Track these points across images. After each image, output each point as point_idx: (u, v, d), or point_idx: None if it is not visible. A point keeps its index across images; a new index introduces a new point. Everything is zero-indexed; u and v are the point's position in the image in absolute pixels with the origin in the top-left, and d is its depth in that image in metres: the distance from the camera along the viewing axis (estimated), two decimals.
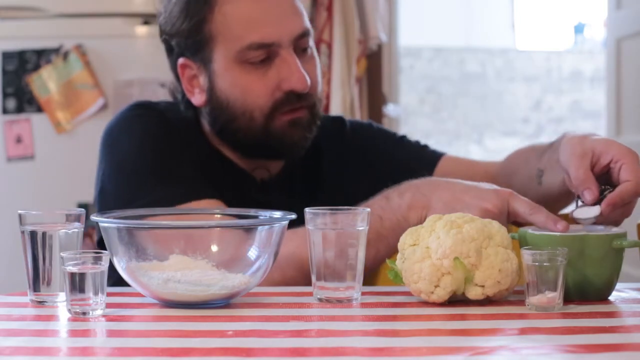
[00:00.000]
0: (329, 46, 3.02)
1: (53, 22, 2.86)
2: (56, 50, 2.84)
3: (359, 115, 3.13)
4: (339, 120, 1.67)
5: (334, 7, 3.03)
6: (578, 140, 1.22)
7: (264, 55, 1.43)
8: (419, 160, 1.61)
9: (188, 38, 1.46)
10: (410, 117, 6.52)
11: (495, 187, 1.26)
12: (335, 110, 3.02)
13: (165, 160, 1.44)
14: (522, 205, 1.21)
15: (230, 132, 1.48)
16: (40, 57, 2.84)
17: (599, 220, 1.18)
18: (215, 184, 1.44)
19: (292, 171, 1.57)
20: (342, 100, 3.01)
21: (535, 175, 1.42)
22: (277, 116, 1.45)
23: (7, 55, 2.85)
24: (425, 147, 1.66)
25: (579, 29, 8.09)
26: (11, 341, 0.94)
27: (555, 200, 1.39)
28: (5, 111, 2.85)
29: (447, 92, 6.77)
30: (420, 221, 1.24)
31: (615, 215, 1.19)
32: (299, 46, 1.47)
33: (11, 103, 2.86)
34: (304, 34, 1.47)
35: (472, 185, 1.27)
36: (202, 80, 1.48)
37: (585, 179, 1.17)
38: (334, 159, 1.61)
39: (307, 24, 1.49)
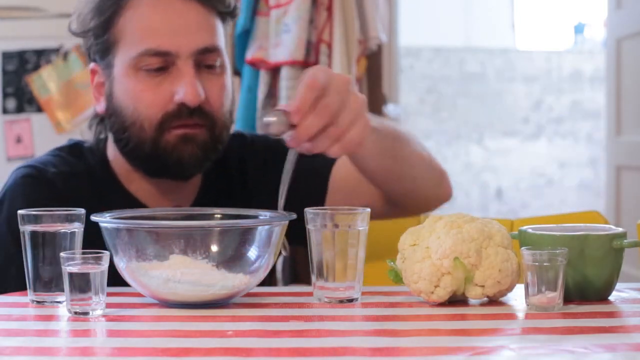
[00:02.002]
0: (329, 46, 3.02)
1: (53, 22, 2.86)
2: (56, 50, 2.84)
3: None
4: (239, 136, 1.60)
5: (334, 7, 3.03)
6: None
7: (159, 64, 1.39)
8: (314, 165, 1.54)
9: (97, 39, 1.43)
10: (410, 117, 6.52)
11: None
12: None
13: None
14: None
15: (123, 142, 1.43)
16: (40, 57, 2.85)
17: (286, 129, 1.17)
18: None
19: (205, 203, 1.48)
20: None
21: None
22: (167, 129, 1.40)
23: (7, 55, 2.85)
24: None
25: (579, 29, 8.08)
26: (11, 341, 0.94)
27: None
28: (5, 111, 2.85)
29: (447, 92, 6.77)
30: None
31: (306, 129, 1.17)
32: (202, 62, 1.41)
33: (11, 103, 2.86)
34: (208, 50, 1.41)
35: None
36: (107, 86, 1.45)
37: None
38: (241, 178, 1.56)
39: (216, 41, 1.44)
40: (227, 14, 1.48)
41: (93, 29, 1.43)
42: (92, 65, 1.47)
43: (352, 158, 1.41)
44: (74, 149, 1.52)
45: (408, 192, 1.51)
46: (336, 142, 1.21)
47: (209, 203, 1.48)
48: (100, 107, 1.47)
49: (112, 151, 1.49)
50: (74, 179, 1.45)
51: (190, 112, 1.40)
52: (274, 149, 1.56)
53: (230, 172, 1.55)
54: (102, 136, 1.50)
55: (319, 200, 1.53)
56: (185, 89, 1.39)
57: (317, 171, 1.54)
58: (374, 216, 1.48)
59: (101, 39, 1.43)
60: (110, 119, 1.45)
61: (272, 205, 1.44)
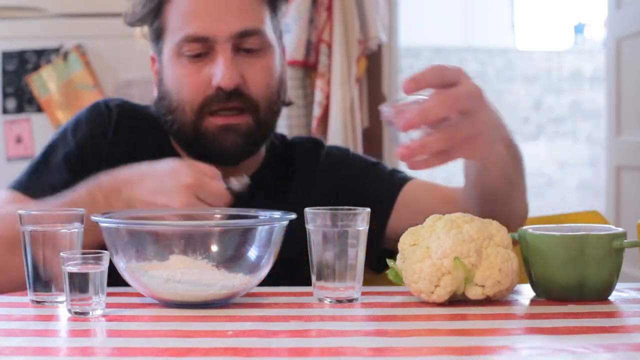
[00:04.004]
0: (329, 46, 3.02)
1: (53, 22, 2.86)
2: (56, 50, 2.84)
3: (359, 115, 3.12)
4: (317, 143, 1.60)
5: (334, 7, 3.03)
6: None
7: (199, 49, 1.42)
8: (385, 186, 1.51)
9: (149, 27, 1.49)
10: None
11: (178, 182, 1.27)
12: (336, 110, 3.02)
13: (54, 152, 1.48)
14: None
15: (169, 125, 1.48)
16: (40, 57, 2.85)
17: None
18: None
19: (257, 183, 1.46)
20: (342, 101, 3.01)
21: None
22: (207, 114, 1.43)
23: (7, 55, 2.85)
24: (395, 172, 1.54)
25: (579, 29, 8.10)
26: (11, 341, 0.94)
27: (492, 190, 1.32)
28: (5, 111, 2.85)
29: None
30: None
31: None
32: (240, 45, 1.43)
33: (11, 103, 2.86)
34: (247, 33, 1.42)
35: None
36: (159, 72, 1.50)
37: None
38: (304, 180, 1.53)
39: (257, 24, 1.44)
40: None
41: (144, 17, 1.48)
42: (151, 52, 1.52)
43: (467, 165, 1.32)
44: (160, 109, 1.53)
45: (496, 215, 1.24)
46: (467, 142, 1.11)
47: (262, 196, 1.46)
48: (155, 91, 1.51)
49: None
50: (135, 122, 1.51)
51: (227, 95, 1.42)
52: (348, 163, 1.56)
53: (291, 167, 1.55)
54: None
55: (383, 213, 1.48)
56: (219, 72, 1.41)
57: (389, 187, 1.50)
58: None
59: (152, 26, 1.48)
60: (160, 104, 1.49)
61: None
